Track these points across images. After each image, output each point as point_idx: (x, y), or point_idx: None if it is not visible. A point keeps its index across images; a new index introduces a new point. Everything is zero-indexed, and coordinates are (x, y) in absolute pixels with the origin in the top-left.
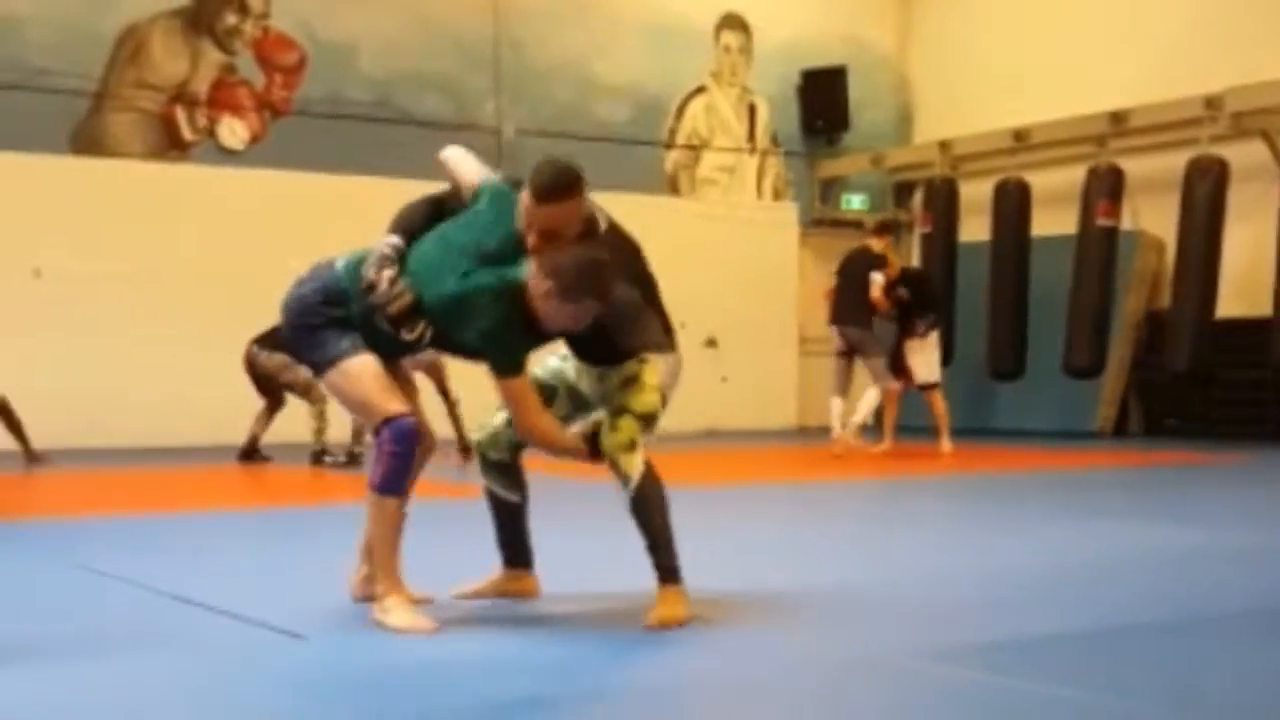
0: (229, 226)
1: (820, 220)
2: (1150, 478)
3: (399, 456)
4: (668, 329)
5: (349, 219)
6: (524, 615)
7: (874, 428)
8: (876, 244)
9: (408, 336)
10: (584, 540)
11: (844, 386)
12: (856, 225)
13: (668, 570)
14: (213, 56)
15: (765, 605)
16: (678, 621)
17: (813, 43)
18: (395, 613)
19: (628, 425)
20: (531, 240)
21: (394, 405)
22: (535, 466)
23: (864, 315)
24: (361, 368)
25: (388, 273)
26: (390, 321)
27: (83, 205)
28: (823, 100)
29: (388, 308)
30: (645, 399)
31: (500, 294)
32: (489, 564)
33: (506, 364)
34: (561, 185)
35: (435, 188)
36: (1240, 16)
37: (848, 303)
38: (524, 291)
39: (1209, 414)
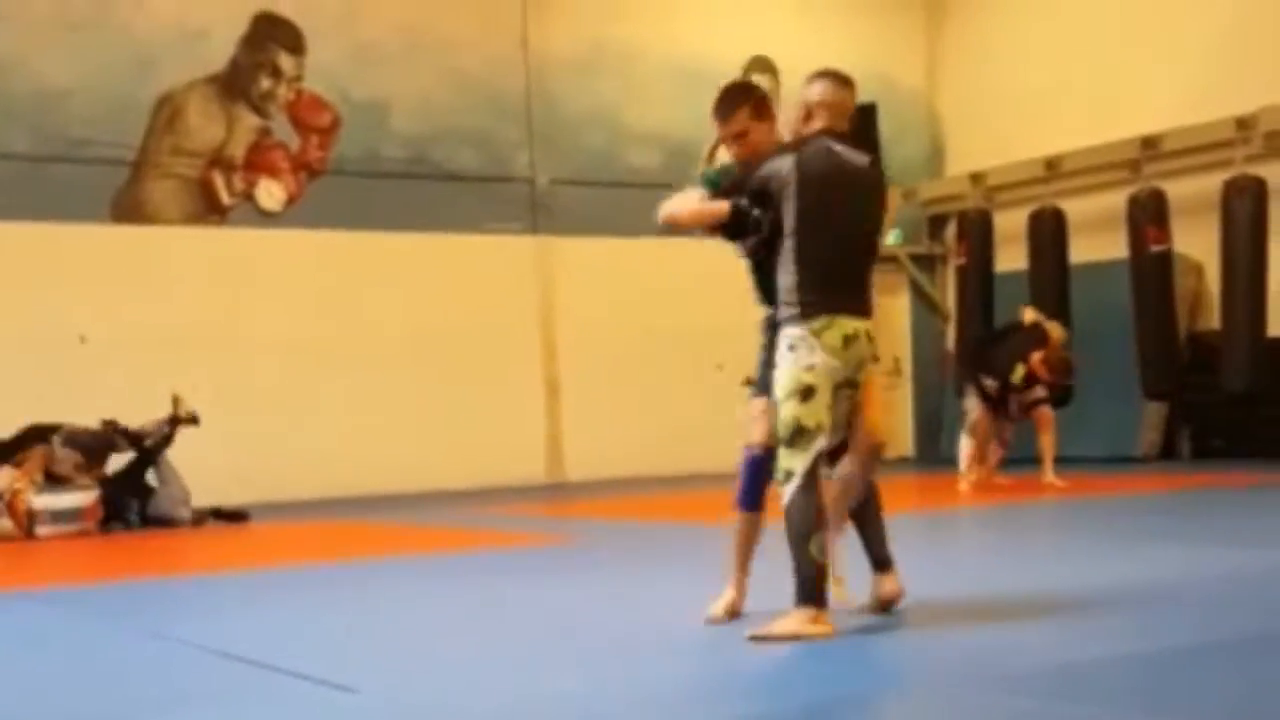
0: (269, 288)
1: None
2: (1201, 500)
3: (743, 478)
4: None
5: (388, 275)
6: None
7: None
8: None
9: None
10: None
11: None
12: (891, 260)
13: (796, 589)
14: (248, 121)
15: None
16: (775, 638)
17: None
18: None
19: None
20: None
21: (755, 436)
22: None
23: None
24: (755, 406)
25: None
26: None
27: (125, 272)
28: (853, 137)
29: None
30: (789, 387)
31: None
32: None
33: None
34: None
35: (470, 240)
36: (1269, 36)
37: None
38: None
39: (1257, 435)
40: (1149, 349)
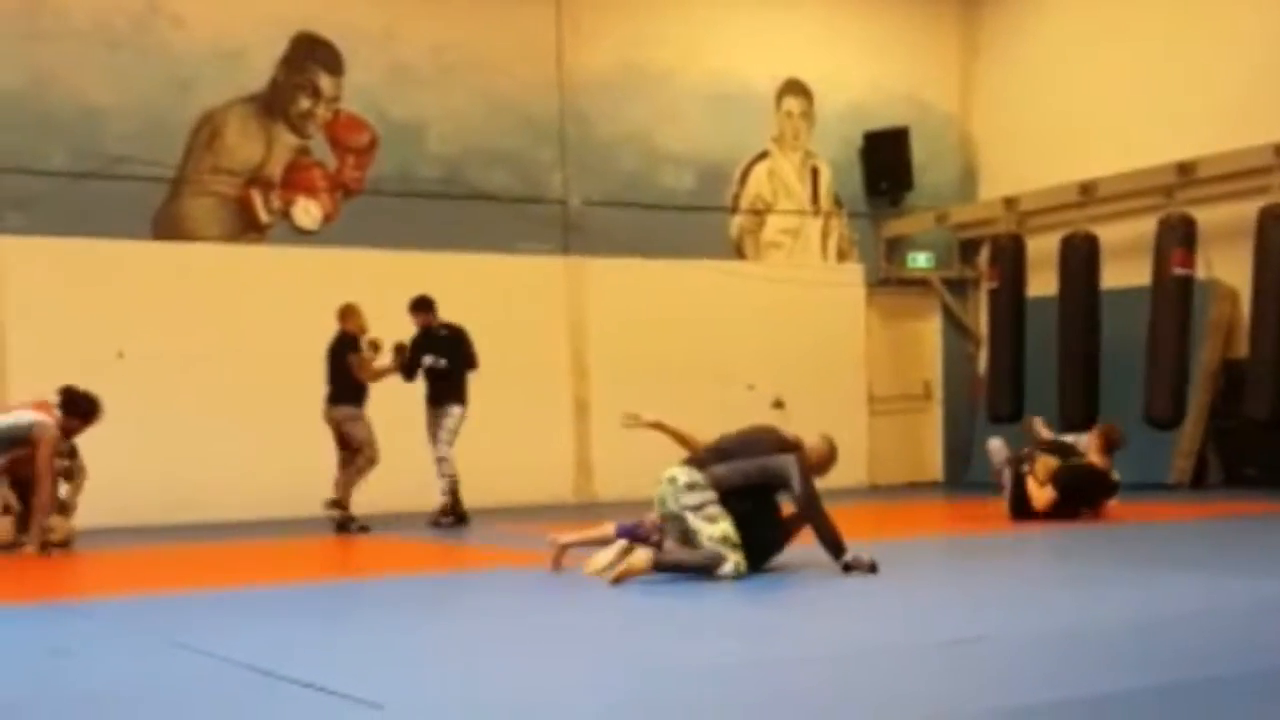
0: (306, 305)
1: (887, 280)
2: (1233, 528)
3: None
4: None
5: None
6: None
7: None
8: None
9: None
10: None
11: None
12: (923, 284)
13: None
14: (286, 140)
15: (848, 660)
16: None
17: (874, 105)
18: None
19: None
20: None
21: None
22: None
23: None
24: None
25: None
26: None
27: (164, 288)
28: (886, 161)
29: None
30: None
31: None
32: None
33: None
34: None
35: (503, 260)
36: None
37: None
38: None
39: None
40: (1156, 374)
